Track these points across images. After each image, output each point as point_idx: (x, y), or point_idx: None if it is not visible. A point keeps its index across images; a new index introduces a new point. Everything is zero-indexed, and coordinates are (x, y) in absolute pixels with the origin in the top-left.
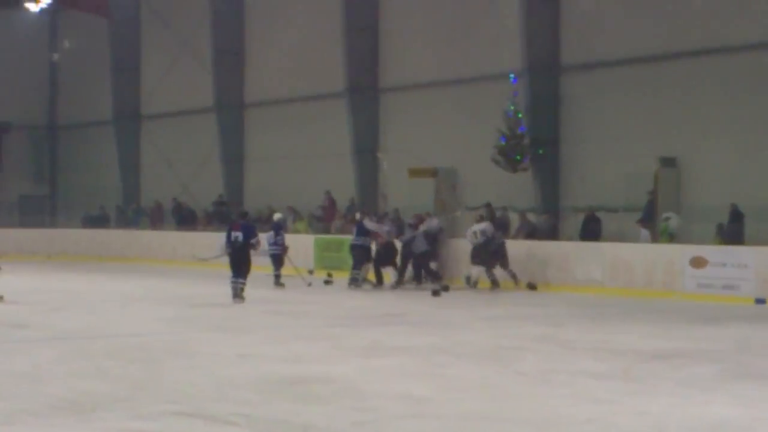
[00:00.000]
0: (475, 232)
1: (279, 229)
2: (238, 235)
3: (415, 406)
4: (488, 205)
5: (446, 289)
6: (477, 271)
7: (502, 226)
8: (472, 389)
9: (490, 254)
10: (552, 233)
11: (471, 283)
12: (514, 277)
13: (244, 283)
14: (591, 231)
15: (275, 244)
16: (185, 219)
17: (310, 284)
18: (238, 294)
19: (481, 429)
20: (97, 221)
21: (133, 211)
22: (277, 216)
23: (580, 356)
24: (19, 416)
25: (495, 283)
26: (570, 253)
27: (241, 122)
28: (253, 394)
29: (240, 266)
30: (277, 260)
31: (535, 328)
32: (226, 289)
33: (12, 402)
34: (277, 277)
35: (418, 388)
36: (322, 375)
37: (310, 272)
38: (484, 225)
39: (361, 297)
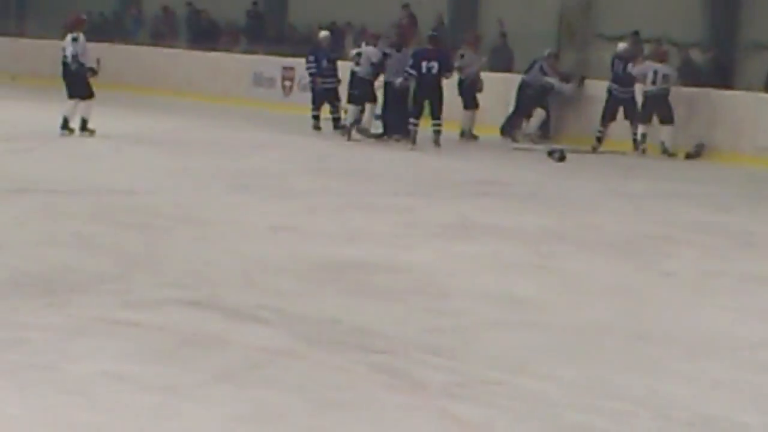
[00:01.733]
0: (655, 72)
1: (331, 53)
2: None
3: (516, 311)
4: (635, 35)
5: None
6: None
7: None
8: (599, 292)
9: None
10: (724, 78)
11: (640, 149)
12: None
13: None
14: None
15: (330, 75)
16: (204, 34)
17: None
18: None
19: (609, 348)
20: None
21: (132, 19)
22: (324, 34)
23: (756, 255)
24: None
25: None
26: (749, 108)
27: None
28: (290, 282)
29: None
30: (335, 96)
31: (693, 211)
32: (260, 133)
33: None
34: (336, 120)
35: (521, 286)
36: (387, 261)
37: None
38: (667, 68)
39: (447, 157)
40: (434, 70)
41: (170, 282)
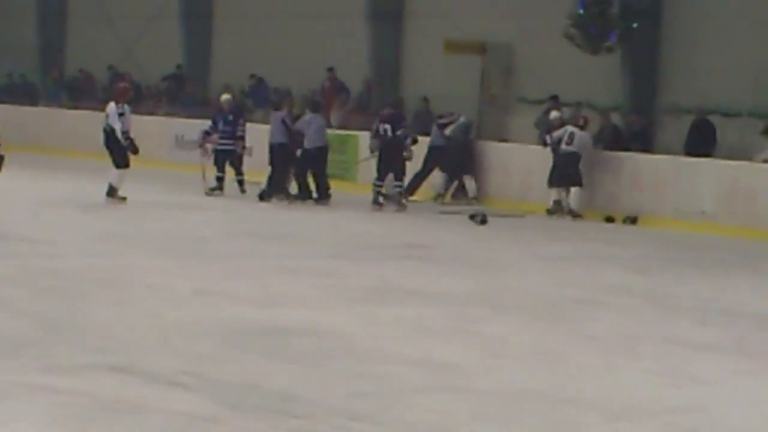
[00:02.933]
0: (571, 134)
1: (239, 115)
2: (386, 127)
3: (437, 376)
4: (555, 99)
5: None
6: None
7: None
8: (521, 356)
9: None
10: (644, 142)
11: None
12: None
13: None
14: (700, 142)
15: (229, 137)
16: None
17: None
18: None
19: (532, 413)
20: (3, 93)
21: (54, 82)
22: (225, 97)
23: (676, 317)
24: None
25: (572, 212)
26: (669, 171)
27: None
28: (211, 347)
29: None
30: (236, 158)
31: (615, 274)
32: (180, 196)
33: None
34: (240, 182)
35: (443, 351)
36: (309, 325)
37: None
38: (582, 132)
39: (369, 219)
40: (389, 132)
41: (91, 347)
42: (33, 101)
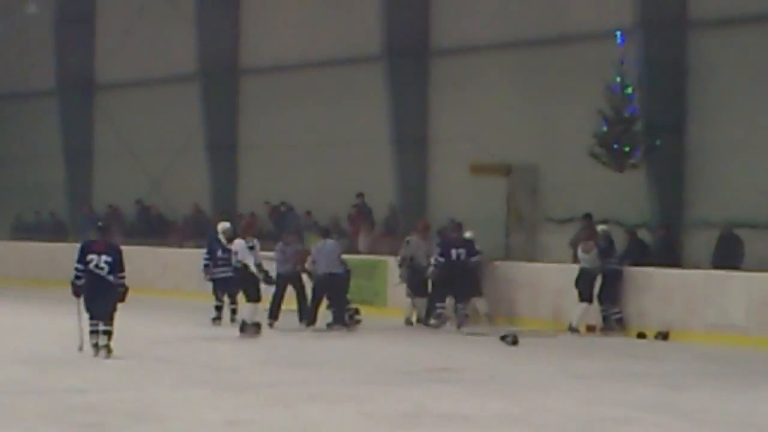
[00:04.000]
0: (591, 245)
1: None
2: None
3: None
4: (587, 218)
5: (514, 341)
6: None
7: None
8: None
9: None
10: (672, 257)
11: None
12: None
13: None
14: (729, 255)
15: (226, 264)
16: (154, 229)
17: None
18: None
19: None
20: (32, 230)
21: (83, 218)
22: (225, 226)
23: None
24: None
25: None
26: (699, 285)
27: (235, 95)
28: None
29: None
30: (233, 285)
31: (647, 391)
32: (210, 327)
33: None
34: (233, 311)
35: None
36: None
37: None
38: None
39: (401, 343)
40: (463, 256)
41: None
42: (61, 238)
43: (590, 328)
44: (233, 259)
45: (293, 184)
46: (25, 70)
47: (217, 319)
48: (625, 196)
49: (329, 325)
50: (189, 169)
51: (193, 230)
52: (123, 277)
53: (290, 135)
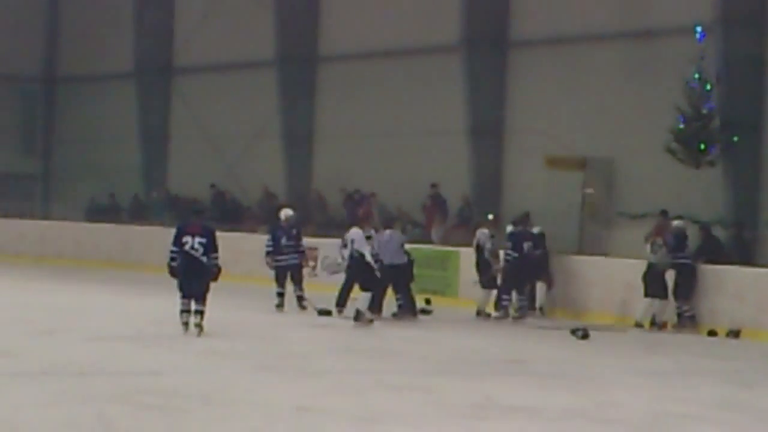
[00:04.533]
0: (660, 243)
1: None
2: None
3: None
4: (663, 214)
5: (585, 335)
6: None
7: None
8: None
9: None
10: (745, 255)
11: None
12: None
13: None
14: None
15: (291, 251)
16: (228, 214)
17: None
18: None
19: None
20: (107, 212)
21: (157, 200)
22: (288, 213)
23: None
24: None
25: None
26: None
27: (313, 82)
28: None
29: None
30: (297, 272)
31: (717, 388)
32: (283, 314)
33: None
34: (300, 298)
35: None
36: None
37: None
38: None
39: (470, 335)
40: (531, 250)
41: None
42: (136, 220)
43: (663, 325)
44: (350, 248)
45: (367, 173)
46: (104, 52)
47: (279, 306)
48: (700, 193)
49: (395, 315)
50: (264, 155)
51: (267, 215)
52: (216, 258)
53: (366, 123)
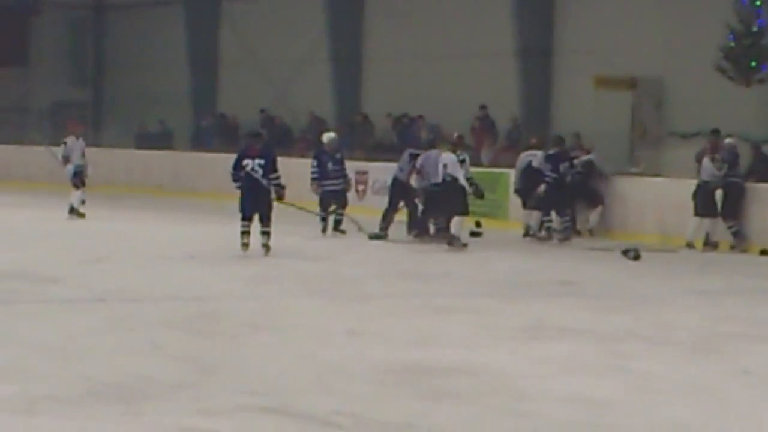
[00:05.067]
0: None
1: (336, 155)
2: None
3: (591, 413)
4: (715, 132)
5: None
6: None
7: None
8: (676, 392)
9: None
10: None
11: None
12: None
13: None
14: None
15: (337, 176)
16: (278, 139)
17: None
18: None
19: None
20: (157, 139)
21: (208, 127)
22: (331, 136)
23: None
24: (45, 404)
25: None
26: None
27: (360, 4)
28: (365, 387)
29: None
30: (342, 197)
31: None
32: (333, 238)
33: (37, 384)
34: (338, 222)
35: (597, 388)
36: (462, 364)
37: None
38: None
39: (521, 256)
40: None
41: (244, 389)
42: (186, 146)
43: (714, 244)
44: (442, 172)
45: (416, 96)
46: None
47: (324, 230)
48: (751, 111)
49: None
50: (313, 79)
51: (315, 140)
52: (275, 178)
53: (414, 46)
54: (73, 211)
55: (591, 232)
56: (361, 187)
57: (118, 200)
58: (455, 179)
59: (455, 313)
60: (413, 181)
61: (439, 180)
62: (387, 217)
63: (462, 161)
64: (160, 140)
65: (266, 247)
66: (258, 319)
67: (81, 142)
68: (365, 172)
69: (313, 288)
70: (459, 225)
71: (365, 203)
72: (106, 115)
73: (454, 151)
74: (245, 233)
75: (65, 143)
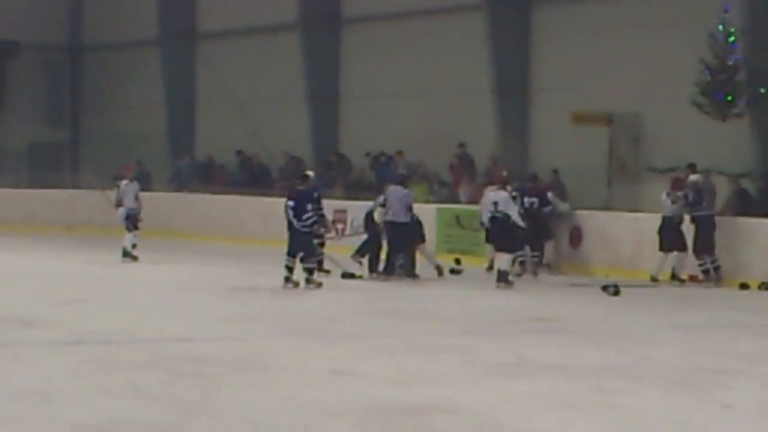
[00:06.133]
0: (679, 195)
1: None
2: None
3: None
4: (692, 166)
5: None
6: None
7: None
8: (658, 427)
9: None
10: None
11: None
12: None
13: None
14: None
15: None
16: (256, 179)
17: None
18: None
19: None
20: (136, 180)
21: (185, 168)
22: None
23: None
24: None
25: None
26: None
27: (337, 44)
28: (347, 427)
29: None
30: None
31: (751, 342)
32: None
33: (17, 428)
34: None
35: (579, 424)
36: (444, 402)
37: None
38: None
39: (501, 294)
40: (535, 206)
41: (226, 430)
42: (164, 187)
43: (692, 278)
44: (492, 209)
45: (394, 134)
46: (128, 20)
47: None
48: (728, 146)
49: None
50: (290, 118)
51: (294, 179)
52: (307, 219)
53: (391, 84)
54: (126, 254)
55: (549, 267)
56: (339, 226)
57: (96, 242)
58: (507, 216)
59: (436, 351)
60: (377, 214)
61: (486, 219)
62: (362, 250)
63: (514, 198)
64: (138, 181)
65: (307, 282)
66: (239, 360)
67: (134, 185)
68: (344, 211)
69: (294, 327)
70: (508, 262)
71: (343, 242)
72: (84, 157)
73: (503, 188)
74: (286, 267)
75: (118, 187)
